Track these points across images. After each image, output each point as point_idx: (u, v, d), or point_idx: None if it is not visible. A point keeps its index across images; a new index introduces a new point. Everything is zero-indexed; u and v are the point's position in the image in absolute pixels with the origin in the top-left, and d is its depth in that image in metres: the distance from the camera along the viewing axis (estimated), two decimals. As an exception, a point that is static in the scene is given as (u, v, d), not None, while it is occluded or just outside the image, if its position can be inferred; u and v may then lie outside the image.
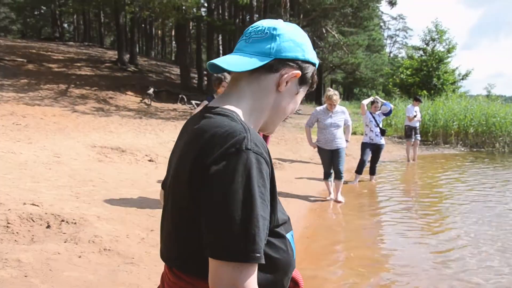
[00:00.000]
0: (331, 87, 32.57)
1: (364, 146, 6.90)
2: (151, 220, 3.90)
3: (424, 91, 19.78)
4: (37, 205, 3.68)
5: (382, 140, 6.93)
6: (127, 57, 21.20)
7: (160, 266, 3.16)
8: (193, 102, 15.49)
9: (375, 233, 4.58)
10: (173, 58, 36.56)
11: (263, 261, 0.79)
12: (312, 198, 5.65)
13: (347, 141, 5.68)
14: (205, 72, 22.01)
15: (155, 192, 4.97)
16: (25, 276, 2.55)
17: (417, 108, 9.61)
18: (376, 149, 6.93)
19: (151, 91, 15.63)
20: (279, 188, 0.94)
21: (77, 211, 3.72)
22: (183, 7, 16.67)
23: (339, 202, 5.50)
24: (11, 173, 5.02)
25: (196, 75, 22.99)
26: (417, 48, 22.96)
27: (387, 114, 7.21)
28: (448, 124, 13.12)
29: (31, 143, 7.10)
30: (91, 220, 3.53)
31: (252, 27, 0.97)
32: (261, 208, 0.79)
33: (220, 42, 24.59)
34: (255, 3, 17.76)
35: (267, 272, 0.87)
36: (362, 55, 25.90)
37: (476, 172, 8.53)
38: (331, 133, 5.33)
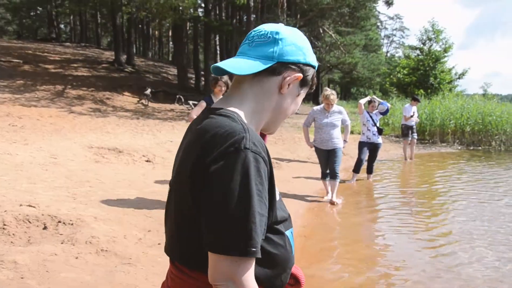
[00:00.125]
0: (329, 86, 32.58)
1: (362, 145, 6.92)
2: (149, 221, 3.89)
3: (421, 90, 19.85)
4: (34, 206, 3.66)
5: (379, 139, 6.95)
6: (124, 57, 21.13)
7: (157, 266, 3.16)
8: (191, 102, 15.46)
9: (372, 230, 4.62)
10: (170, 59, 36.50)
11: (259, 256, 0.82)
12: (309, 198, 5.65)
13: (345, 141, 5.64)
14: (202, 73, 21.99)
15: (153, 192, 4.96)
16: (22, 278, 2.53)
17: (414, 108, 9.65)
18: (373, 148, 6.95)
19: (148, 91, 15.60)
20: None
21: (74, 212, 3.71)
22: (180, 8, 16.67)
23: (333, 203, 5.35)
24: (7, 174, 5.00)
25: (193, 76, 22.96)
26: (413, 48, 23.01)
27: (384, 113, 7.23)
28: (445, 123, 13.19)
29: (27, 144, 7.06)
30: (88, 221, 3.52)
31: (254, 31, 1.00)
32: (258, 205, 0.82)
33: (217, 43, 24.59)
34: (252, 4, 17.75)
35: (265, 267, 0.91)
36: (359, 54, 25.91)
37: (471, 170, 8.57)
38: (327, 133, 5.30)
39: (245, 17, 23.65)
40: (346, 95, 41.01)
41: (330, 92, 5.30)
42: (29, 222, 3.35)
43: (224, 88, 4.75)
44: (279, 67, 0.95)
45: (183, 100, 16.01)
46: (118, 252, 3.07)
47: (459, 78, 22.35)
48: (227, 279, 0.80)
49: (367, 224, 4.82)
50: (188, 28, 24.21)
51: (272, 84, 0.97)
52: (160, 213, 4.10)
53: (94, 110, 12.62)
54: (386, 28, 53.80)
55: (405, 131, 9.63)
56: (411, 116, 9.50)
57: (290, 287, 1.04)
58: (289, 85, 0.97)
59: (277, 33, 0.96)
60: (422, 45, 21.99)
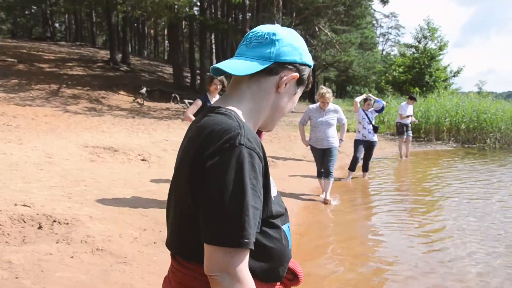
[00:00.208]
0: (324, 85, 32.64)
1: (357, 143, 6.94)
2: (144, 220, 3.89)
3: (417, 88, 19.95)
4: (29, 206, 3.65)
5: (375, 137, 6.98)
6: (119, 56, 21.05)
7: (153, 265, 3.16)
8: (186, 101, 15.44)
9: (367, 227, 4.66)
10: (165, 57, 36.41)
11: (252, 247, 0.85)
12: (305, 196, 5.67)
13: (341, 140, 5.61)
14: (198, 71, 21.94)
15: (148, 191, 4.95)
16: (16, 278, 2.53)
17: (410, 107, 9.70)
18: (369, 146, 6.98)
19: (143, 90, 15.55)
20: (272, 185, 0.97)
21: (69, 211, 3.70)
22: (176, 6, 16.59)
23: (326, 202, 5.29)
24: (2, 174, 4.97)
25: (189, 74, 22.91)
26: (409, 46, 23.09)
27: (380, 111, 7.26)
28: (440, 121, 13.25)
29: (22, 143, 7.03)
30: (83, 220, 3.51)
31: (252, 32, 1.03)
32: (252, 198, 0.85)
33: (213, 41, 24.51)
34: (247, 2, 17.73)
35: (261, 261, 0.94)
36: (355, 53, 25.92)
37: (466, 167, 8.64)
38: (323, 132, 5.28)
39: (240, 16, 23.65)
40: (342, 93, 41.07)
41: (325, 91, 5.30)
42: (24, 221, 3.34)
43: (219, 87, 4.76)
44: (276, 67, 0.98)
45: (178, 99, 15.97)
46: (113, 251, 3.07)
47: (454, 76, 22.47)
48: (221, 270, 0.83)
49: (362, 221, 4.85)
50: (183, 26, 24.13)
51: (270, 83, 0.99)
52: (156, 212, 4.10)
53: (89, 109, 12.57)
54: (381, 26, 53.89)
55: (400, 129, 9.68)
56: (407, 117, 9.56)
57: (289, 282, 1.05)
58: (286, 84, 1.00)
59: (274, 34, 0.99)
60: (417, 43, 22.07)
